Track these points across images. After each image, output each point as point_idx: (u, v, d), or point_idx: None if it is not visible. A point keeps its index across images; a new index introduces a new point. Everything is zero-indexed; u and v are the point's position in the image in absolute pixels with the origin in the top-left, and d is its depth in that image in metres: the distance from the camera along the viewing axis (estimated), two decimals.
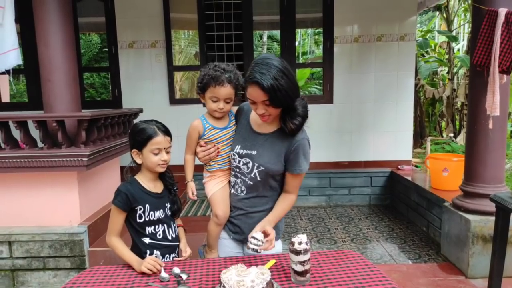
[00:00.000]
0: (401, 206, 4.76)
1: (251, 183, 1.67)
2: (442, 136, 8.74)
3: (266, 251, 1.55)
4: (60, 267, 3.08)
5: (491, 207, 3.04)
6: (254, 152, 1.66)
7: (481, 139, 3.04)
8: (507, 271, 3.01)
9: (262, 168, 1.63)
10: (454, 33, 8.67)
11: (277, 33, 10.19)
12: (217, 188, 1.77)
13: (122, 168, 4.07)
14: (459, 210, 3.19)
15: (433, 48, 9.41)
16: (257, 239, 1.49)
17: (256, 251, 1.49)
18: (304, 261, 1.36)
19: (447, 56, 8.74)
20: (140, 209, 1.64)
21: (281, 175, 1.68)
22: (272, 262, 1.48)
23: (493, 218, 3.00)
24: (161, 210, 1.69)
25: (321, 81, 8.58)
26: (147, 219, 1.65)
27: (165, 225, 1.71)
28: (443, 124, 9.05)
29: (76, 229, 3.06)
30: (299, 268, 1.37)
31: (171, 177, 1.80)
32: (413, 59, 5.03)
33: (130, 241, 1.71)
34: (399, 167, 5.04)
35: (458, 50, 9.97)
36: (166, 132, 1.69)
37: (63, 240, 3.03)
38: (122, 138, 3.63)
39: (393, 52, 4.96)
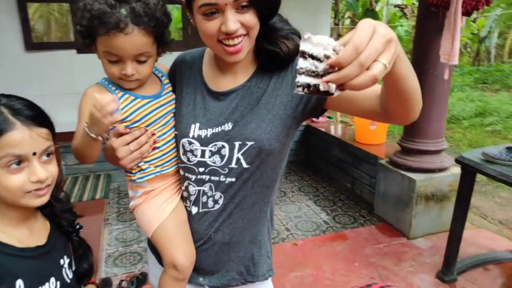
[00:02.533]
0: (319, 161, 4.48)
1: (232, 179, 0.94)
2: None
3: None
4: None
5: (433, 164, 2.86)
6: (228, 126, 0.93)
7: (427, 92, 2.74)
8: (443, 226, 2.95)
9: (250, 143, 0.91)
10: None
11: None
12: (165, 213, 0.97)
13: None
14: (400, 168, 2.94)
15: None
16: (315, 57, 0.58)
17: (308, 87, 0.59)
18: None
19: (333, 1, 8.68)
20: None
21: (280, 159, 0.98)
22: None
23: (435, 176, 2.84)
24: (52, 279, 0.83)
25: None
26: None
27: None
28: None
29: None
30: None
31: (65, 202, 0.92)
32: None
33: None
34: (313, 119, 4.70)
35: None
36: (35, 117, 0.78)
37: None
38: None
39: None
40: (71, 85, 3.72)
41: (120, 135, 0.91)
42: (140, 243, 2.88)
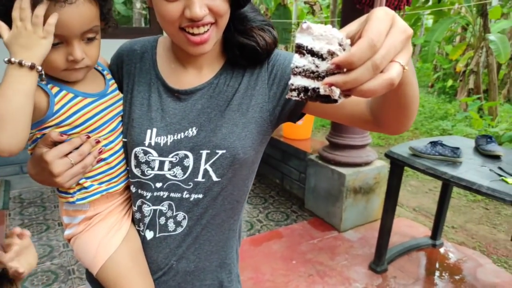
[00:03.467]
0: None
1: (199, 195, 0.79)
2: None
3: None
4: None
5: (360, 158, 2.97)
6: (193, 131, 0.78)
7: None
8: (369, 217, 3.11)
9: (221, 152, 0.77)
10: None
11: None
12: (114, 243, 0.78)
13: None
14: (329, 163, 3.00)
15: None
16: (315, 53, 0.46)
17: (306, 91, 0.47)
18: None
19: None
20: None
21: (252, 170, 0.85)
22: None
23: (362, 169, 2.95)
24: None
25: None
26: None
27: None
28: None
29: None
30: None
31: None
32: None
33: None
34: None
35: None
36: None
37: None
38: None
39: None
40: None
41: (54, 144, 0.70)
42: (54, 259, 2.50)
